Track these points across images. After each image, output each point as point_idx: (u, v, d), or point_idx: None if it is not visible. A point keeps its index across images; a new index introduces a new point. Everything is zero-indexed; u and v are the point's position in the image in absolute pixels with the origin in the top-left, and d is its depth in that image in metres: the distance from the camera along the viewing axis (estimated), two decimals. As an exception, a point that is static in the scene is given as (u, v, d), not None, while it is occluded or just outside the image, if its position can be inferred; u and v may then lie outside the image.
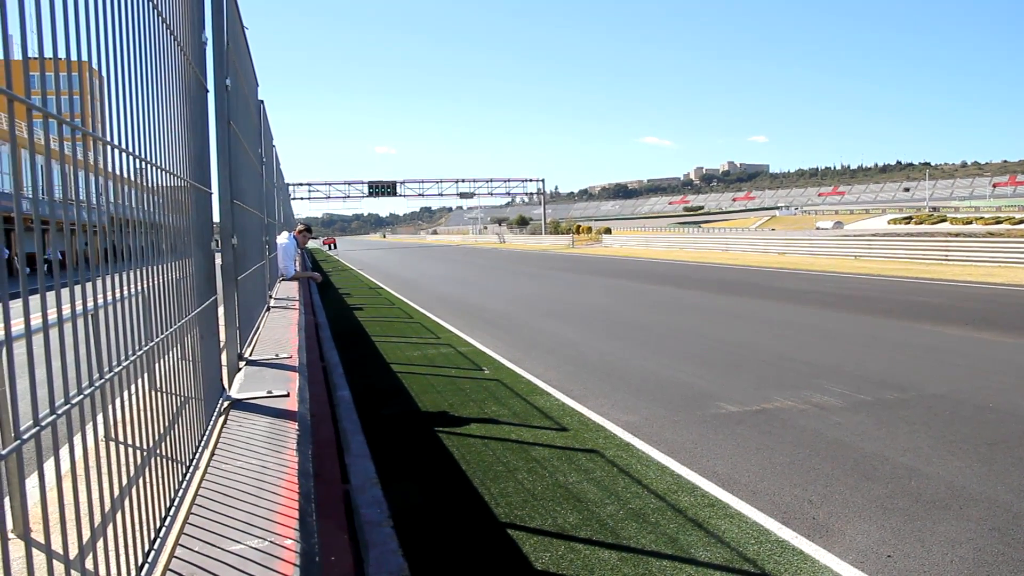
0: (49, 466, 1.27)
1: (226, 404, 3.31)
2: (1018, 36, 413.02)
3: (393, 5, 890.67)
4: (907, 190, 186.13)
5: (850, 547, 3.94)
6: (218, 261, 3.64)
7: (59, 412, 1.24)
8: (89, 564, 1.32)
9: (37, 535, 1.55)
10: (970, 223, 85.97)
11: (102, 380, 1.48)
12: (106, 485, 1.46)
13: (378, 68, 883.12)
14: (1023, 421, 6.11)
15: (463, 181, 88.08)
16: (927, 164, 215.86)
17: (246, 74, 5.59)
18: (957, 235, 48.91)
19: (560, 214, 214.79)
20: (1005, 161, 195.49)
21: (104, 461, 1.46)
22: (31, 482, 1.89)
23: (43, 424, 1.16)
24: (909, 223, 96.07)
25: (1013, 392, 7.09)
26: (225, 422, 2.99)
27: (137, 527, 1.62)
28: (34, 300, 1.26)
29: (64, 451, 1.30)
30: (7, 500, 1.48)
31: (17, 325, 1.10)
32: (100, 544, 1.38)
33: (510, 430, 6.15)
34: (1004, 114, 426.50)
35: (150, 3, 2.02)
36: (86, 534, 1.34)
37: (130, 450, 1.68)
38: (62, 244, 1.34)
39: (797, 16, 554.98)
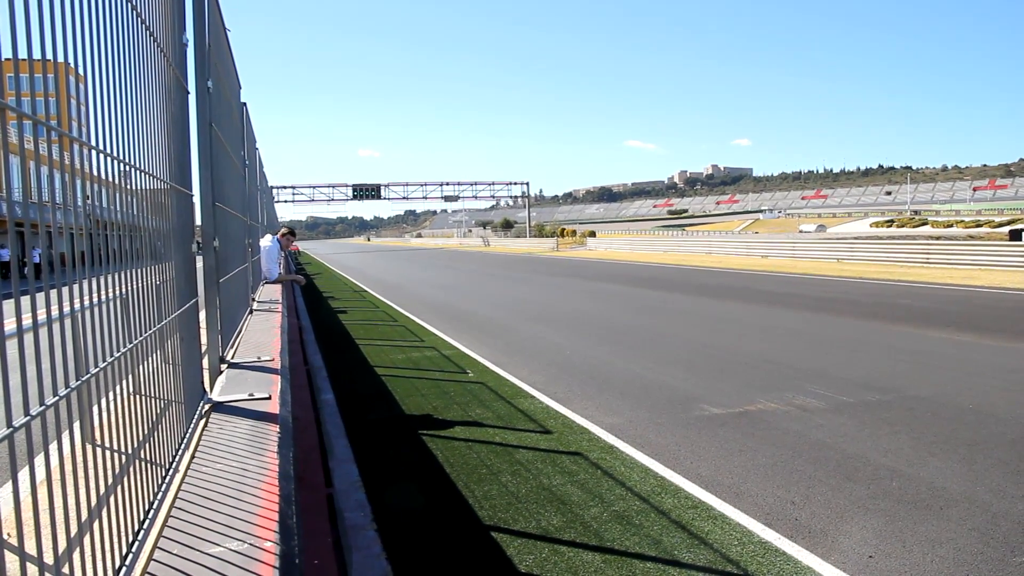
0: (27, 469, 1.25)
1: (207, 407, 3.29)
2: (999, 40, 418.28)
3: (377, 8, 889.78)
4: (889, 194, 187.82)
5: (832, 548, 3.97)
6: (200, 264, 3.62)
7: (34, 415, 1.23)
8: (65, 569, 1.31)
9: (13, 540, 1.53)
10: (951, 226, 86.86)
11: (78, 383, 1.47)
12: (83, 489, 1.44)
13: (361, 71, 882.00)
14: (1003, 422, 6.18)
15: (447, 184, 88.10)
16: (908, 168, 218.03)
17: (228, 76, 5.56)
18: (938, 238, 49.43)
19: (545, 217, 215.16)
20: (985, 165, 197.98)
21: (82, 465, 1.45)
22: (7, 486, 1.87)
23: (17, 427, 1.15)
24: (891, 226, 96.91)
25: (993, 394, 7.16)
26: (206, 425, 2.97)
27: (115, 530, 1.60)
28: (22, 302, 1.25)
29: (44, 454, 1.28)
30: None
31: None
32: (76, 548, 1.37)
33: (494, 433, 6.15)
34: (984, 119, 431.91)
35: (129, 4, 2.00)
36: (62, 538, 1.33)
37: (110, 453, 1.67)
38: (40, 247, 1.33)
39: (780, 20, 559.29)
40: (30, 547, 1.35)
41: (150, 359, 2.15)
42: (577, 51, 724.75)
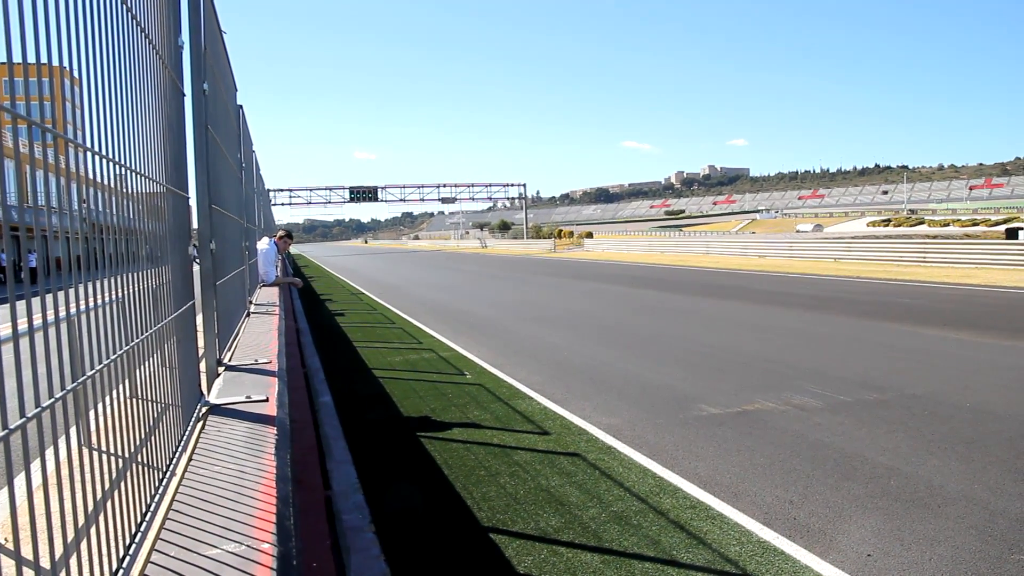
0: (24, 474, 1.25)
1: (204, 409, 3.28)
2: (995, 40, 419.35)
3: (373, 10, 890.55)
4: (886, 193, 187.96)
5: (831, 547, 3.97)
6: (196, 266, 3.62)
7: (30, 416, 1.22)
8: (62, 573, 1.31)
9: (9, 544, 1.53)
10: (947, 225, 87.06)
11: (74, 385, 1.46)
12: (80, 493, 1.44)
13: (357, 73, 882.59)
14: (1000, 420, 6.19)
15: (444, 186, 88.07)
16: (905, 167, 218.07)
17: (224, 79, 5.55)
18: (935, 237, 49.51)
19: (542, 219, 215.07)
20: (981, 164, 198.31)
21: (79, 468, 1.44)
22: (3, 491, 1.87)
23: (12, 428, 1.14)
24: (888, 225, 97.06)
25: (990, 391, 7.18)
26: (203, 427, 2.97)
27: (112, 534, 1.60)
28: (18, 306, 1.24)
29: (41, 458, 1.28)
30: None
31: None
32: (73, 552, 1.37)
33: (492, 434, 6.15)
34: (980, 118, 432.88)
35: (124, 7, 2.00)
36: (59, 542, 1.33)
37: (107, 457, 1.66)
38: (36, 251, 1.33)
39: (776, 20, 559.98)
40: (27, 552, 1.35)
41: (147, 362, 2.15)
42: (573, 52, 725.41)
